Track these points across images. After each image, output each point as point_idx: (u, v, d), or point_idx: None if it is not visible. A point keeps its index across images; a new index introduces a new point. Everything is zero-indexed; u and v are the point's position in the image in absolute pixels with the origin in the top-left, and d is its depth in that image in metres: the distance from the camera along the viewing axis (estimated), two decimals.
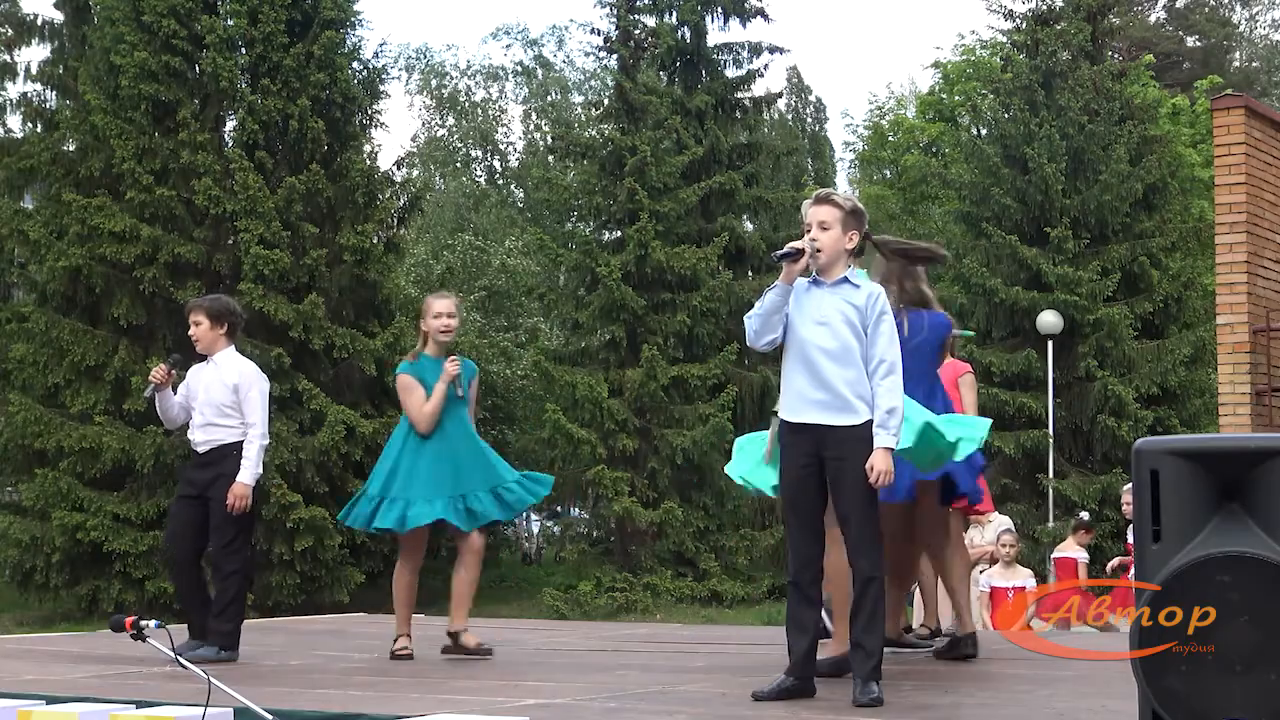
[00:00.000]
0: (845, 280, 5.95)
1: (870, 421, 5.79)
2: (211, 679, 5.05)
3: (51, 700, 5.61)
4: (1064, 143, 23.75)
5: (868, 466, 5.74)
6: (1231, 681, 4.01)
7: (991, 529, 12.72)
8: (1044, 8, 26.26)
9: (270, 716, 5.05)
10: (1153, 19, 45.17)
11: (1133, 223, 24.12)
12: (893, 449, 5.81)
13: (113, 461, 19.68)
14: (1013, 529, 13.11)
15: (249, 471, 7.84)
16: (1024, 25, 26.59)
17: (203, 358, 8.13)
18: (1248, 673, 4.00)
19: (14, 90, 29.71)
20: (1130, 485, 8.24)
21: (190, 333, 8.12)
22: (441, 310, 8.00)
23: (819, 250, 5.89)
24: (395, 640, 7.98)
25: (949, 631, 7.69)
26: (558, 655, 8.66)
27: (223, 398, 7.97)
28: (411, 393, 7.92)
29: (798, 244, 5.90)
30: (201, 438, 8.00)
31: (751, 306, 6.03)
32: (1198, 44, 45.26)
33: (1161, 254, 24.22)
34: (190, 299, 8.42)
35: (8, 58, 29.14)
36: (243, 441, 7.92)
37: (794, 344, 5.94)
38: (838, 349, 5.84)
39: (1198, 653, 4.07)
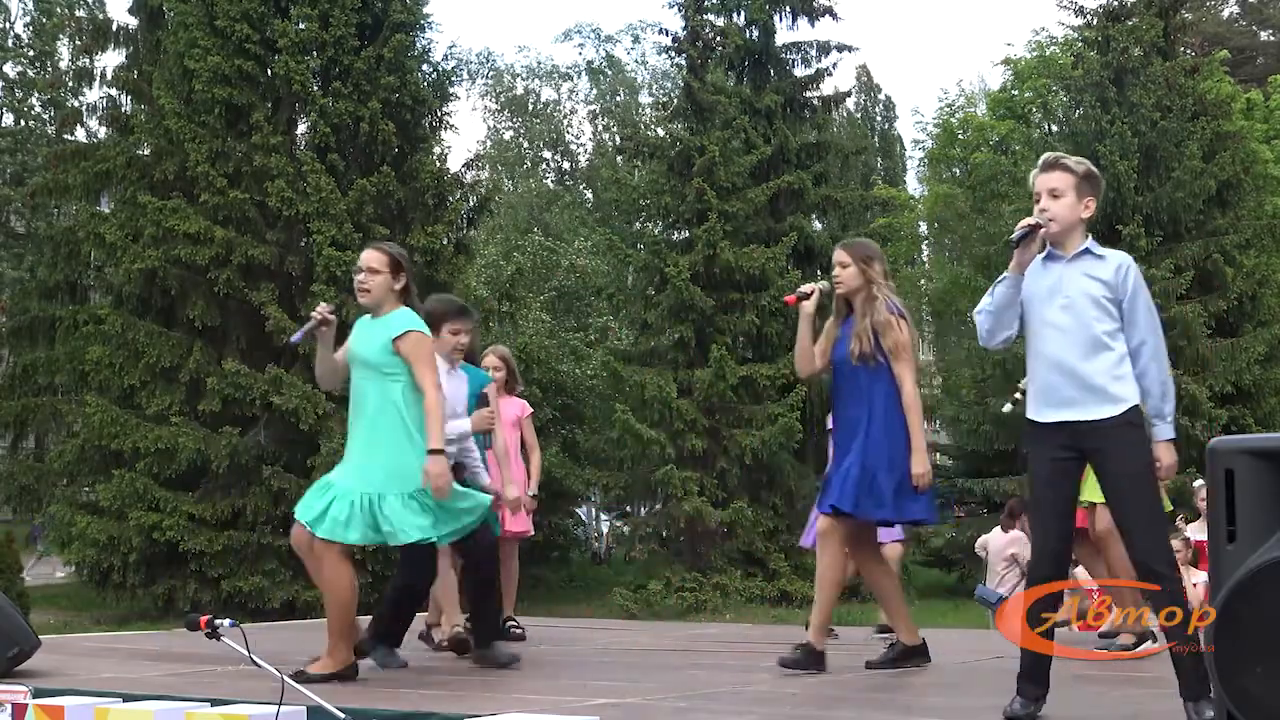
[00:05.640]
0: (1086, 252, 5.37)
1: (1135, 408, 5.23)
2: (285, 677, 5.10)
3: (128, 698, 5.68)
4: (1136, 140, 23.54)
5: (1155, 461, 5.22)
6: None
7: None
8: (1115, 4, 26.04)
9: (343, 715, 5.09)
10: (1226, 14, 44.70)
11: (1206, 220, 23.87)
12: (1175, 439, 5.27)
13: (188, 462, 19.85)
14: None
15: None
16: (1095, 21, 26.38)
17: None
18: None
19: (92, 95, 30.12)
20: (1201, 482, 8.13)
21: (468, 342, 7.82)
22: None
23: (1051, 220, 5.32)
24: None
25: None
26: (628, 655, 8.67)
27: None
28: None
29: (1028, 221, 5.34)
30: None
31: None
32: (1272, 39, 44.73)
33: (1235, 251, 23.96)
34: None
35: (87, 62, 29.52)
36: None
37: (1035, 332, 5.39)
38: (1086, 333, 5.27)
39: (1273, 654, 4.03)
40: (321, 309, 6.96)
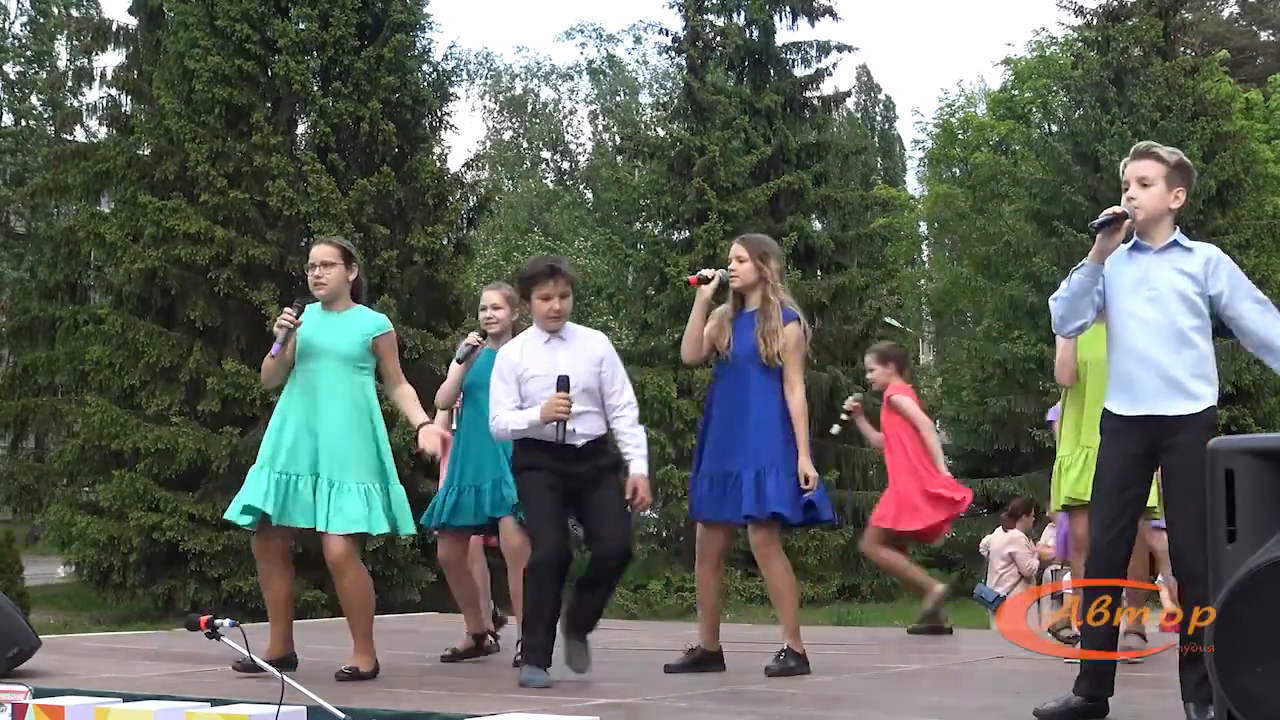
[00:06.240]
0: (1175, 244, 5.29)
1: (1212, 408, 5.16)
2: (285, 678, 5.10)
3: (128, 698, 5.68)
4: (1136, 140, 23.50)
5: None
6: None
7: None
8: (1115, 4, 26.08)
9: (343, 715, 5.09)
10: (1226, 14, 44.72)
11: (1206, 220, 23.89)
12: None
13: (188, 462, 19.84)
14: None
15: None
16: (1095, 21, 26.43)
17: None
18: None
19: (92, 95, 30.10)
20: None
21: (561, 306, 6.78)
22: (485, 302, 7.88)
23: (1138, 209, 5.25)
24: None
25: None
26: (627, 655, 8.67)
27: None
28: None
29: (1115, 209, 5.26)
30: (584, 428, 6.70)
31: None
32: (1272, 39, 44.75)
33: (1235, 251, 23.90)
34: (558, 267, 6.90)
35: (85, 62, 29.54)
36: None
37: (1118, 323, 5.28)
38: (1170, 326, 5.16)
39: (1273, 654, 4.02)
40: (289, 315, 6.98)
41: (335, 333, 7.00)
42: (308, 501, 6.88)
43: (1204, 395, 5.16)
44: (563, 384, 6.53)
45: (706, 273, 7.04)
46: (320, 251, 7.14)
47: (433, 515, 7.74)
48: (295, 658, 7.02)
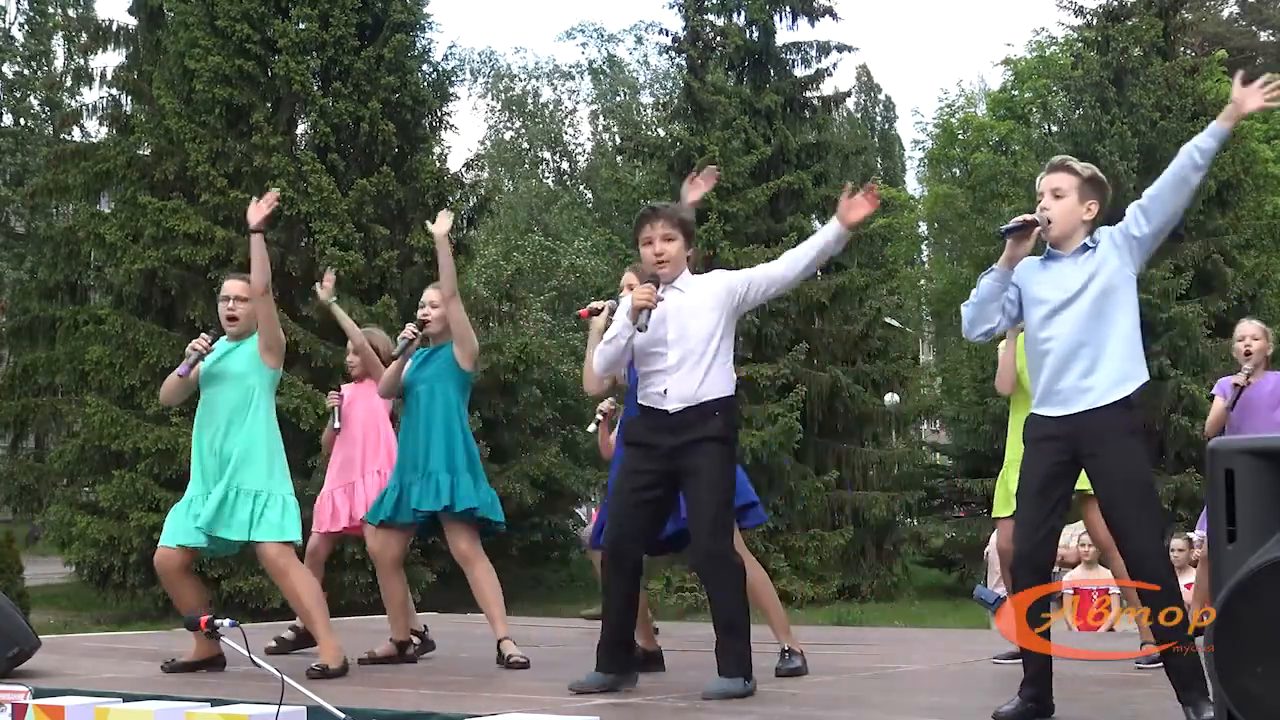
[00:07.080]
0: (1084, 247, 5.32)
1: (1127, 400, 5.19)
2: (285, 678, 5.10)
3: (128, 698, 5.68)
4: (1135, 140, 23.56)
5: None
6: None
7: (1070, 530, 12.64)
8: (1115, 4, 26.06)
9: (343, 715, 5.09)
10: (1226, 14, 44.72)
11: (1206, 220, 23.87)
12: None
13: (188, 463, 19.80)
14: None
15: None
16: (1095, 21, 26.42)
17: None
18: None
19: (91, 95, 30.18)
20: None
21: (664, 249, 6.29)
22: (424, 300, 8.03)
23: (1050, 221, 5.32)
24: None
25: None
26: None
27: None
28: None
29: (1025, 216, 5.36)
30: (678, 390, 6.27)
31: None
32: (1272, 39, 44.75)
33: (1235, 251, 23.97)
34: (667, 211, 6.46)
35: (82, 62, 29.58)
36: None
37: (1035, 327, 5.37)
38: (1087, 326, 5.22)
39: (1273, 654, 4.02)
40: (205, 341, 7.53)
41: (229, 359, 7.47)
42: (226, 518, 7.27)
43: (1123, 392, 5.20)
44: (654, 279, 6.22)
45: (596, 304, 7.08)
46: (234, 287, 7.62)
47: (379, 511, 7.85)
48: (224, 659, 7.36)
